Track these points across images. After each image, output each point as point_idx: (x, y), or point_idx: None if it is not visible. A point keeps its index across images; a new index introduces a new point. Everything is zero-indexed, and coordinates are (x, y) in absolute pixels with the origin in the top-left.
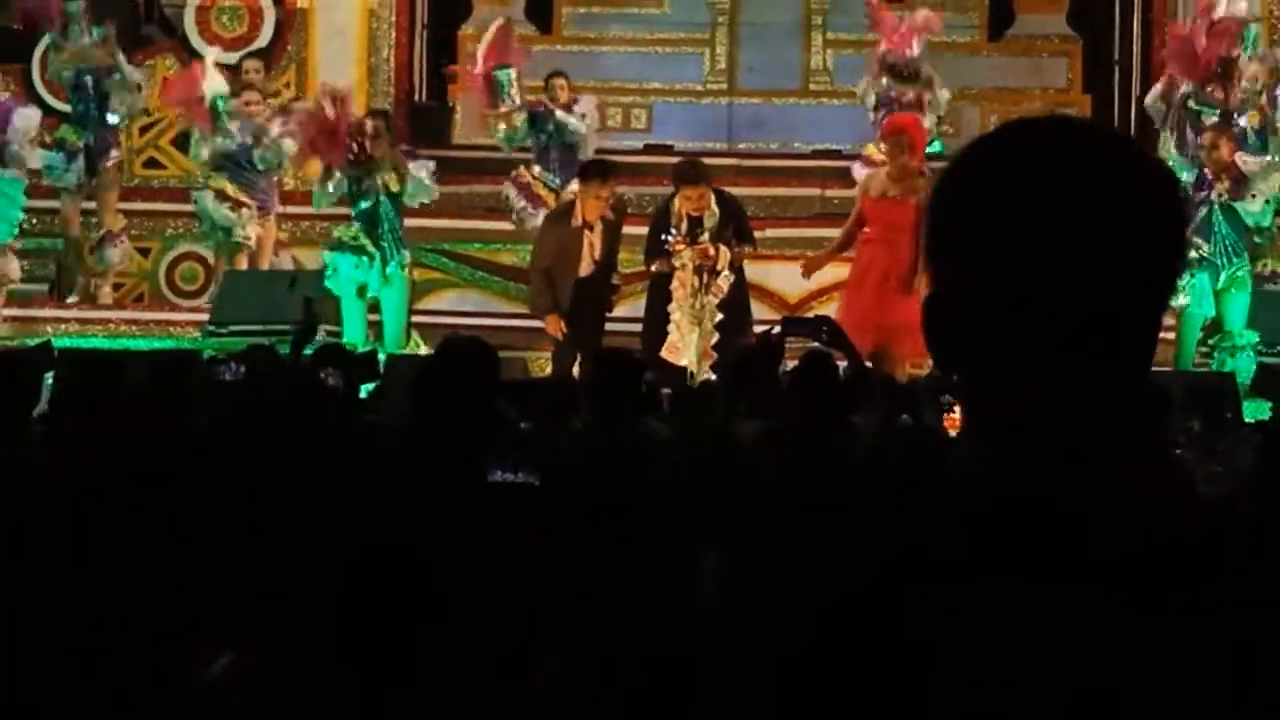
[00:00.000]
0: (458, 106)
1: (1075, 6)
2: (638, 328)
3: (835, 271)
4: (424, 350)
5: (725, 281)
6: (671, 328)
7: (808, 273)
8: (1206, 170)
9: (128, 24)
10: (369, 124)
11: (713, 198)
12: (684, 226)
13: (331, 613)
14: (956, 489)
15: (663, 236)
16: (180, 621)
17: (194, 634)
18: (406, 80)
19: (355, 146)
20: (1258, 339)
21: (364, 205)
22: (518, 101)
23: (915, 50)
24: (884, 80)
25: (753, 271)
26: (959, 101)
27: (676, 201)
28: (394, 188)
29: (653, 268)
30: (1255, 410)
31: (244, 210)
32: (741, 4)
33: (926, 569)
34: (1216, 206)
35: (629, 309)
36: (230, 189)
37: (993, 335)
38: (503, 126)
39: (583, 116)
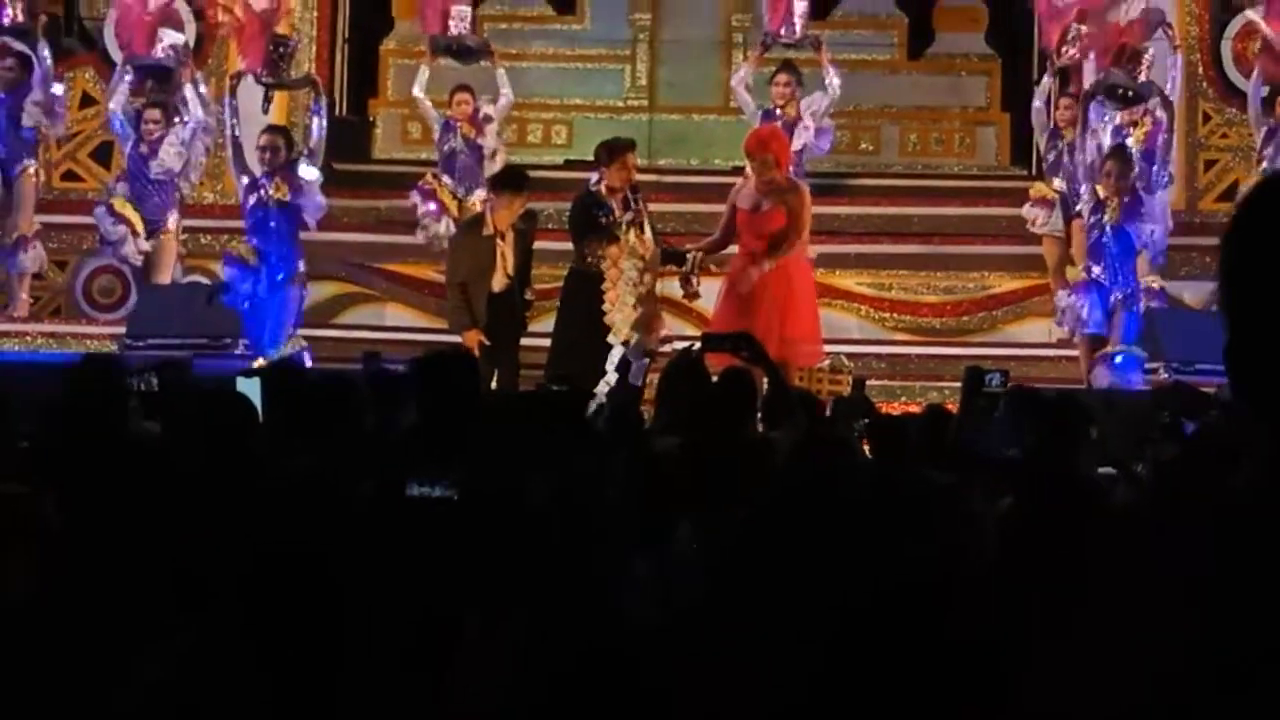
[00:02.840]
0: (378, 121)
1: (994, 25)
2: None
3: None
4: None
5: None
6: (614, 310)
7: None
8: (1099, 190)
9: (48, 36)
10: (263, 138)
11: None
12: (617, 202)
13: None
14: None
15: (599, 216)
16: (97, 626)
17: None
18: (328, 94)
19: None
20: (1145, 356)
21: (256, 216)
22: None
23: (798, 29)
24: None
25: (673, 286)
26: (879, 119)
27: (609, 179)
28: (285, 199)
29: (598, 254)
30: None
31: (122, 227)
32: (662, 21)
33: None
34: (1107, 228)
35: (546, 324)
36: (118, 203)
37: None
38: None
39: (487, 119)
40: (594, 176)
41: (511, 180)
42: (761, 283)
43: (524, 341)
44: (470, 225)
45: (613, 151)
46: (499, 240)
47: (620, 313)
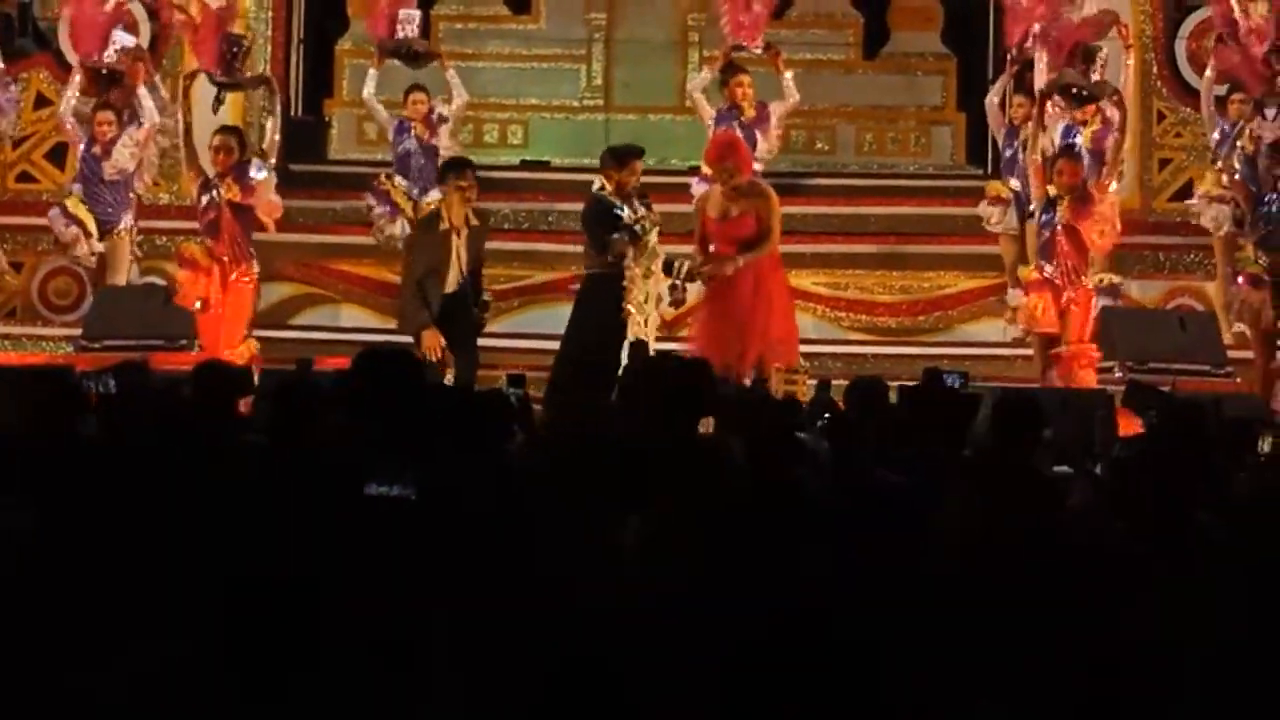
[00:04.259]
0: (334, 121)
1: (949, 25)
2: (512, 344)
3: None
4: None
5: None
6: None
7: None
8: (1050, 189)
9: (2, 36)
10: (216, 139)
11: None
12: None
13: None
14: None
15: (616, 212)
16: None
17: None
18: (283, 95)
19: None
20: (1098, 354)
21: (209, 217)
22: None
23: (760, 40)
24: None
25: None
26: (834, 119)
27: (620, 179)
28: (238, 199)
29: (620, 253)
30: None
31: (74, 228)
32: (618, 21)
33: None
34: (1060, 227)
35: (503, 325)
36: (70, 204)
37: None
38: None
39: (441, 120)
40: (596, 182)
41: (454, 165)
42: (743, 283)
43: (483, 342)
44: (427, 221)
45: (624, 157)
46: (455, 236)
47: (642, 313)
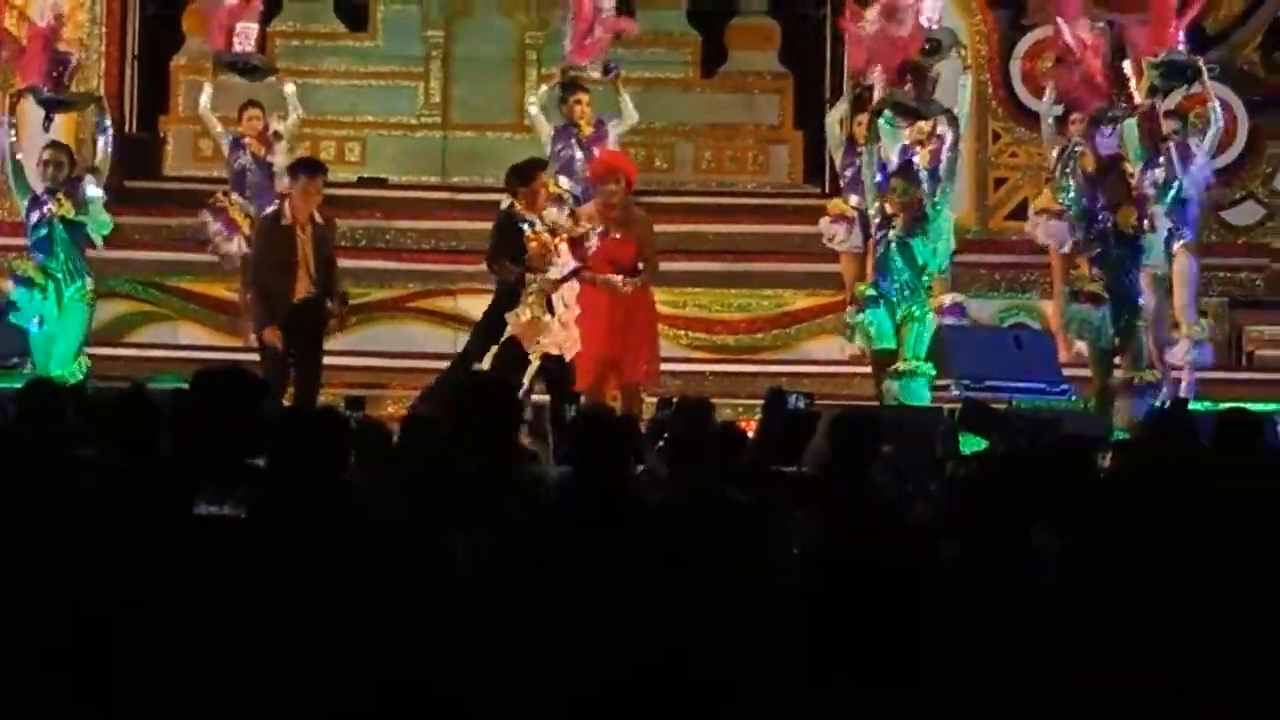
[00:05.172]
0: (169, 138)
1: (787, 44)
2: (349, 361)
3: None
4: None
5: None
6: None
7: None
8: (886, 207)
9: None
10: (45, 154)
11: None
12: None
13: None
14: None
15: (521, 226)
16: None
17: None
18: (118, 111)
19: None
20: (934, 372)
21: (40, 233)
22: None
23: (600, 62)
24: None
25: (471, 304)
26: (673, 137)
27: (528, 195)
28: (70, 215)
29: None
30: (969, 444)
31: None
32: (455, 38)
33: None
34: (894, 244)
35: (340, 342)
36: None
37: None
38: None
39: (277, 136)
40: (505, 201)
41: (306, 165)
42: (630, 306)
43: (333, 361)
44: (270, 218)
45: (525, 173)
46: (299, 231)
47: (525, 319)
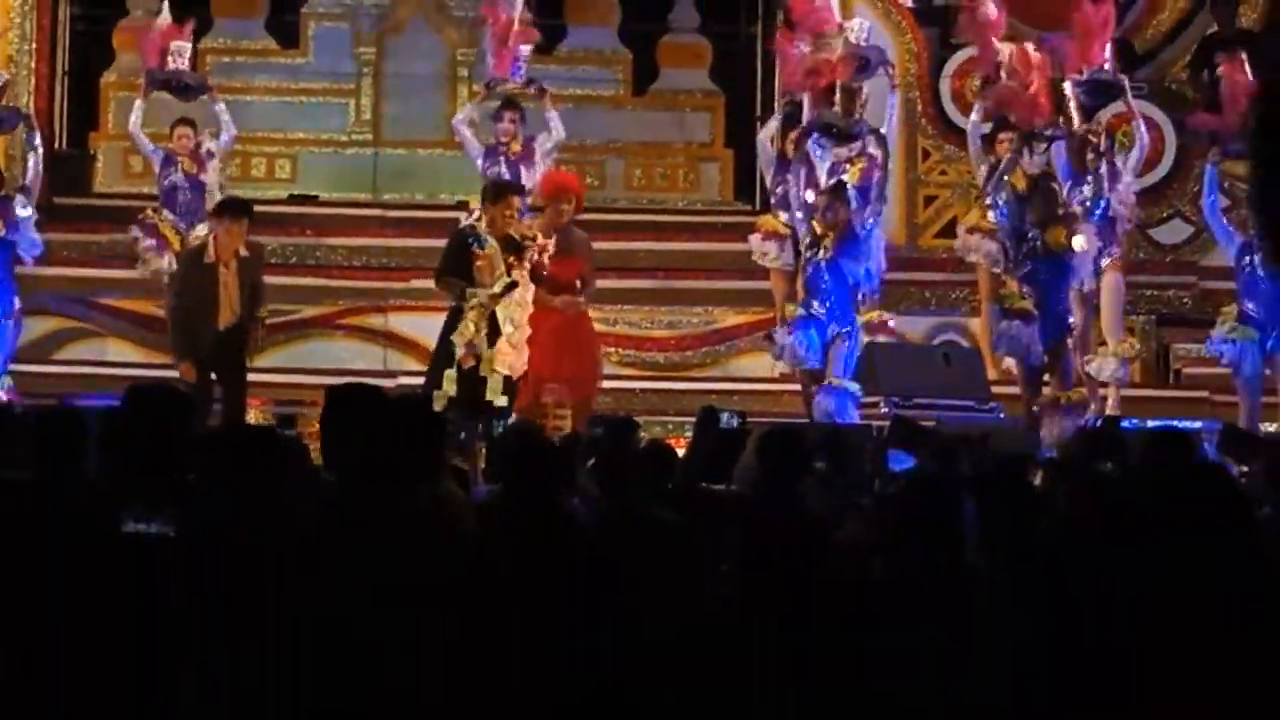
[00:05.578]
0: (99, 155)
1: (718, 62)
2: (278, 378)
3: None
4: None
5: None
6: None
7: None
8: (816, 226)
9: None
10: None
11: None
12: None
13: None
14: None
15: (469, 243)
16: None
17: None
18: (47, 127)
19: None
20: (860, 389)
21: None
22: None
23: (522, 74)
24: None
25: (401, 322)
26: (604, 155)
27: (493, 214)
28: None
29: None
30: (897, 462)
31: None
32: (386, 55)
33: None
34: (823, 264)
35: (270, 359)
36: None
37: None
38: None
39: (209, 154)
40: (467, 215)
41: (232, 207)
42: (574, 324)
43: (249, 377)
44: (193, 254)
45: (497, 192)
46: (222, 269)
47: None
